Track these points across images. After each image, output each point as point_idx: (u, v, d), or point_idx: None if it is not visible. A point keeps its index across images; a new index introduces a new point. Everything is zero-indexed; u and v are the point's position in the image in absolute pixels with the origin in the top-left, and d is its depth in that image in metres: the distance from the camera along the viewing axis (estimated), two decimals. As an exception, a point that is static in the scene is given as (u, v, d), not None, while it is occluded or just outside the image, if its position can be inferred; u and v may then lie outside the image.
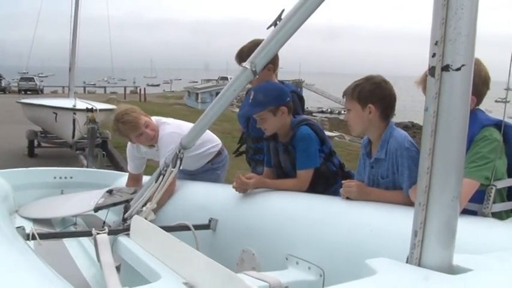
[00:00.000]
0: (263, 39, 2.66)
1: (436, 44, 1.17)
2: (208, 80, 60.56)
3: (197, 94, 38.12)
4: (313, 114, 41.44)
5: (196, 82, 65.12)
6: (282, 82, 3.37)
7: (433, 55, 1.18)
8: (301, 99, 3.29)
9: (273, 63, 3.14)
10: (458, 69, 1.16)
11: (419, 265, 1.24)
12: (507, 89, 2.02)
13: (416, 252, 1.22)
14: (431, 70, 1.19)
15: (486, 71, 2.20)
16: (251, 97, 2.77)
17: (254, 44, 2.82)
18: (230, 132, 11.10)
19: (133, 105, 3.68)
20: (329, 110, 50.09)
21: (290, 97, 2.81)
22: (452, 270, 1.23)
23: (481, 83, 2.16)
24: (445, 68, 1.17)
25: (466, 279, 1.16)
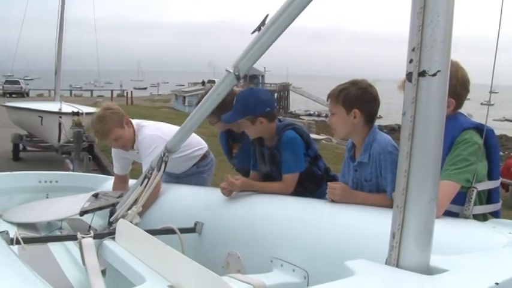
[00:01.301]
0: None
1: (413, 50, 1.20)
2: (195, 83, 60.52)
3: (184, 97, 38.09)
4: (301, 117, 41.63)
5: (184, 85, 65.04)
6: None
7: (410, 61, 1.21)
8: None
9: None
10: (434, 74, 1.20)
11: (397, 266, 1.26)
12: (490, 92, 2.05)
13: (395, 253, 1.25)
14: (409, 75, 1.22)
15: (464, 73, 2.22)
16: (234, 103, 2.80)
17: None
18: (217, 135, 11.06)
19: (105, 111, 3.46)
20: (316, 113, 50.34)
21: (273, 107, 2.81)
22: (429, 271, 1.25)
23: (459, 85, 2.19)
24: (422, 74, 1.20)
25: (441, 279, 1.19)
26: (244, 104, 2.76)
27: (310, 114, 49.47)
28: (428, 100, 1.22)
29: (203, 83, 53.83)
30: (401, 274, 1.22)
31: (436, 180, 1.26)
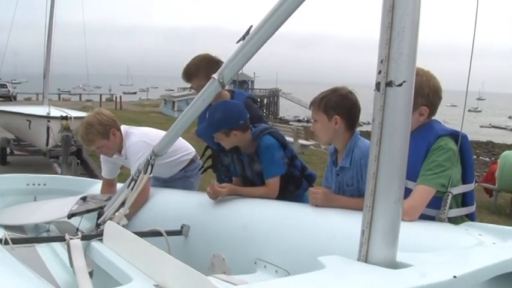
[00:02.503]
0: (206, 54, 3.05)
1: (381, 62, 1.30)
2: (184, 88, 60.29)
3: (173, 102, 37.98)
4: (290, 122, 41.75)
5: (173, 90, 64.85)
6: (233, 91, 3.45)
7: (379, 72, 1.31)
8: (255, 102, 3.57)
9: None
10: (400, 85, 1.29)
11: (366, 261, 1.35)
12: (465, 98, 2.13)
13: (364, 249, 1.34)
14: (377, 85, 1.31)
15: (436, 81, 2.33)
16: (207, 116, 2.85)
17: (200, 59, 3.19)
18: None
19: (94, 119, 3.46)
20: (305, 118, 50.46)
21: (245, 118, 2.82)
22: (395, 265, 1.34)
23: (431, 94, 2.30)
24: (389, 84, 1.29)
25: (404, 273, 1.27)
26: (218, 118, 2.79)
27: (299, 120, 49.58)
28: (395, 108, 1.32)
29: (191, 88, 53.49)
30: (367, 268, 1.30)
31: (402, 183, 1.35)
